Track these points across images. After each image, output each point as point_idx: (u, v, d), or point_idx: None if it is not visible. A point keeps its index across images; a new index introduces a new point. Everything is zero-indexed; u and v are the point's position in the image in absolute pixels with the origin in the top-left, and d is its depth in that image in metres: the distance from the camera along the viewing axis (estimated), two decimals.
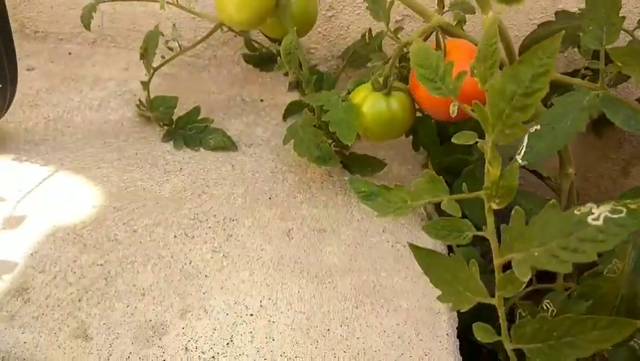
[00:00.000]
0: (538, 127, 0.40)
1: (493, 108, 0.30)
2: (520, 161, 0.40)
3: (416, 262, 0.40)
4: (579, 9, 0.63)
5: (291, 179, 0.61)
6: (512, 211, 0.31)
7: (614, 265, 0.38)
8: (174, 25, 0.61)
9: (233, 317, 0.45)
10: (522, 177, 0.33)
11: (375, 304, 0.48)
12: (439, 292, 0.38)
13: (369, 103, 0.49)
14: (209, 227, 0.54)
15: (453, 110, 0.38)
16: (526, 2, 0.70)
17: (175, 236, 0.52)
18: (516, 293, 0.31)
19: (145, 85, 0.61)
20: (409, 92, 0.52)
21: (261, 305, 0.47)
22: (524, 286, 0.31)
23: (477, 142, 0.33)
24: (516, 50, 0.46)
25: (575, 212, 0.27)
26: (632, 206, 0.25)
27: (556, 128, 0.40)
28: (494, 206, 0.32)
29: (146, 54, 0.60)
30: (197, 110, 0.64)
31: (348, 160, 0.60)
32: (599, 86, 0.42)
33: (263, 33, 0.67)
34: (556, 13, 0.63)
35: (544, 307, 0.43)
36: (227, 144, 0.62)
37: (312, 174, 0.61)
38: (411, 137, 0.62)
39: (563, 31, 0.30)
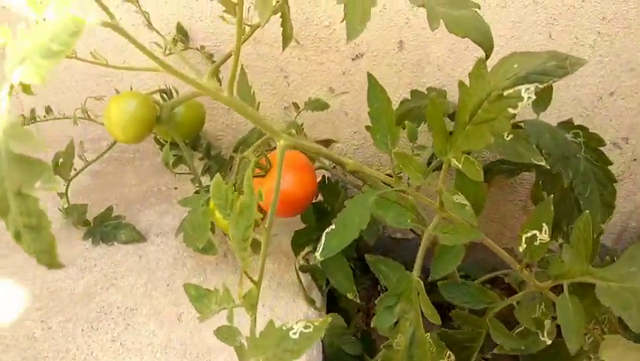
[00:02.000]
0: (334, 227, 0.49)
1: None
2: (318, 257, 0.49)
3: None
4: (427, 88, 0.72)
5: (189, 264, 0.70)
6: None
7: (399, 338, 0.46)
8: (81, 142, 0.72)
9: None
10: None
11: None
12: None
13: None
14: (112, 318, 0.64)
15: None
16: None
17: (82, 330, 0.62)
18: None
19: (62, 195, 0.72)
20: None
21: None
22: None
23: None
24: None
25: (283, 327, 0.35)
26: (317, 324, 0.34)
27: (347, 226, 0.48)
28: None
29: (61, 167, 0.71)
30: (110, 208, 0.74)
31: None
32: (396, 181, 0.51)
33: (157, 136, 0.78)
34: (412, 92, 0.72)
35: None
36: (136, 238, 0.72)
37: (209, 257, 0.71)
38: None
39: None
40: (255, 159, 0.53)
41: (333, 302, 0.72)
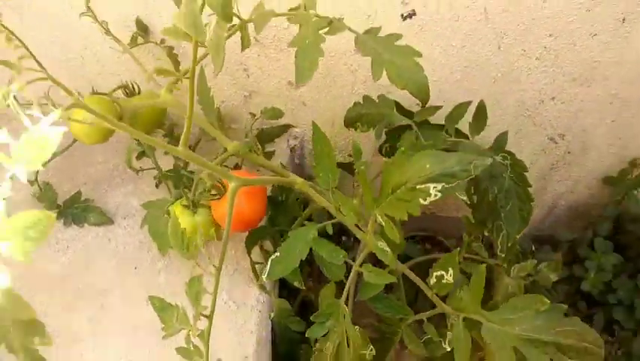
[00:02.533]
0: (278, 254, 0.57)
1: None
2: (264, 278, 0.57)
3: None
4: (378, 96, 0.76)
5: (154, 249, 0.78)
6: None
7: (328, 345, 0.56)
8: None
9: None
10: None
11: None
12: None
13: (181, 218, 0.65)
14: (88, 299, 0.72)
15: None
16: None
17: (61, 310, 0.71)
18: None
19: (32, 182, 0.76)
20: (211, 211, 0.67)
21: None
22: None
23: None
24: None
25: None
26: None
27: (289, 255, 0.56)
28: None
29: None
30: (79, 193, 0.80)
31: None
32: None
33: None
34: (364, 97, 0.76)
35: None
36: (104, 221, 0.79)
37: None
38: None
39: None
40: (210, 183, 0.59)
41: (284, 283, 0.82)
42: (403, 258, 0.86)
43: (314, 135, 0.57)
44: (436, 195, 0.43)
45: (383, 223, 0.49)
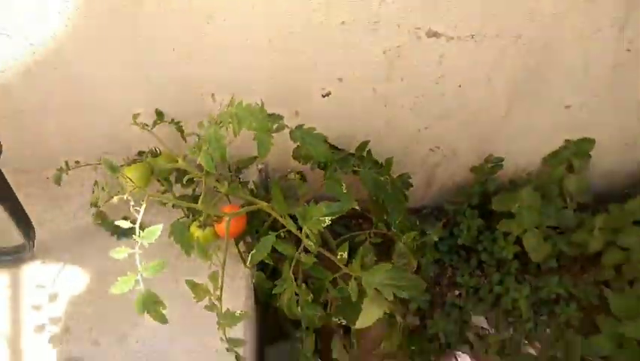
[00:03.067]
0: (255, 250, 1.04)
1: None
2: (248, 265, 1.04)
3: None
4: None
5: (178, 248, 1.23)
6: None
7: (283, 296, 1.05)
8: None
9: None
10: None
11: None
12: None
13: (196, 232, 1.10)
14: None
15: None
16: None
17: None
18: None
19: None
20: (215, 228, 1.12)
21: None
22: None
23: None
24: None
25: None
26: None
27: (261, 249, 1.03)
28: None
29: None
30: None
31: None
32: None
33: None
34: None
35: None
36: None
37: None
38: None
39: None
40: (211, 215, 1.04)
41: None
42: (336, 235, 1.34)
43: (273, 188, 1.03)
44: (329, 221, 0.90)
45: (308, 233, 0.96)
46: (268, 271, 1.27)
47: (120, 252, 0.78)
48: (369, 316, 1.05)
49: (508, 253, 1.47)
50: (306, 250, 1.01)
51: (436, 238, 1.42)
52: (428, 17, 0.97)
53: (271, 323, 1.37)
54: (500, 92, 1.20)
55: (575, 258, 1.55)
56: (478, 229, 1.50)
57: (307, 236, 0.97)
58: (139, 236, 0.81)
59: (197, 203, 1.05)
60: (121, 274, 0.83)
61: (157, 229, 0.78)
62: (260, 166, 1.33)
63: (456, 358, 1.45)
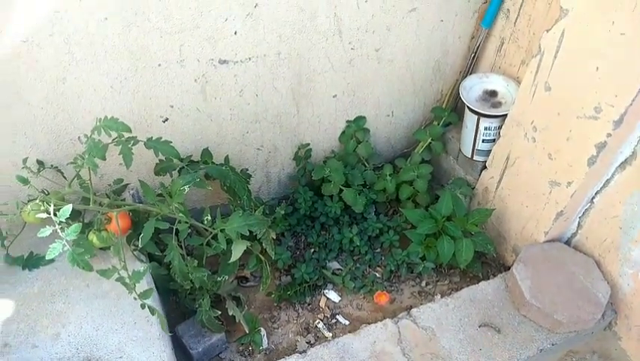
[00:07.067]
0: (142, 234, 1.42)
1: None
2: (140, 244, 1.42)
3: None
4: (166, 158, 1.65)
5: None
6: None
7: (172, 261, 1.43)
8: None
9: None
10: None
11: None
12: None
13: (94, 236, 1.44)
14: None
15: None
16: None
17: None
18: None
19: None
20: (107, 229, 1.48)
21: None
22: None
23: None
24: None
25: None
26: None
27: (145, 236, 1.42)
28: None
29: None
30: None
31: None
32: None
33: None
34: (166, 159, 1.64)
35: None
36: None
37: None
38: None
39: None
40: (104, 216, 1.41)
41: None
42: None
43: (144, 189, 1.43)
44: (187, 188, 1.34)
45: (177, 205, 1.38)
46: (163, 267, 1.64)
47: (45, 231, 1.11)
48: (236, 252, 1.47)
49: (337, 210, 2.01)
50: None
51: (282, 212, 1.91)
52: (216, 52, 1.51)
53: (175, 308, 1.71)
54: (286, 95, 1.77)
55: (385, 203, 2.16)
56: (311, 199, 2.03)
57: (178, 210, 1.39)
58: (55, 215, 1.15)
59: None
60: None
61: (68, 208, 1.14)
62: (132, 191, 1.72)
63: (324, 294, 1.92)
